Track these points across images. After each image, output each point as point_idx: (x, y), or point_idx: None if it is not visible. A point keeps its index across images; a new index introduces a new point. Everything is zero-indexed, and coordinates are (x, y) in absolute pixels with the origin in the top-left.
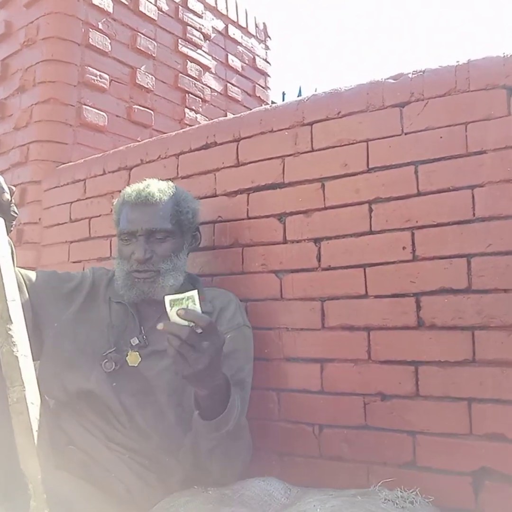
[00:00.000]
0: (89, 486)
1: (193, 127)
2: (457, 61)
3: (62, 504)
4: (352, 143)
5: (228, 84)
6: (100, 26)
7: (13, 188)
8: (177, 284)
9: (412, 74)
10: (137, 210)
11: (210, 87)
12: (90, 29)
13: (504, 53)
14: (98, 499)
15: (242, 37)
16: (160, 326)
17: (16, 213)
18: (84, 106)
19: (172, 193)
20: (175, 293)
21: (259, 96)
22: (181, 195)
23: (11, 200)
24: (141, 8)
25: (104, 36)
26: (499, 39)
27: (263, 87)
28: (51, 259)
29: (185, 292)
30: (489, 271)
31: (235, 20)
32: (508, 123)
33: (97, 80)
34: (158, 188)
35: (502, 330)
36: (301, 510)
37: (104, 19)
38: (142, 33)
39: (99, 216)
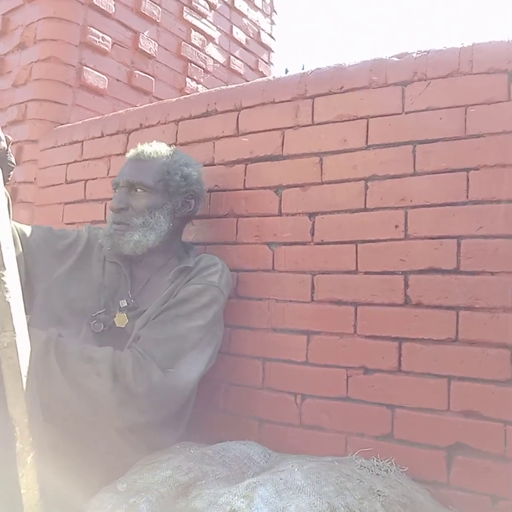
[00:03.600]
0: (71, 442)
1: (194, 94)
2: (462, 44)
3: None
4: (352, 119)
5: (231, 57)
6: None
7: (10, 137)
8: (144, 241)
9: (416, 53)
10: (128, 165)
11: (212, 58)
12: None
13: (509, 38)
14: (80, 453)
15: (248, 9)
16: None
17: (13, 163)
18: (84, 67)
19: (166, 155)
20: (143, 251)
21: (262, 71)
22: (175, 157)
23: (7, 149)
24: None
25: None
26: (505, 25)
27: (266, 62)
28: (44, 220)
29: (183, 257)
30: (478, 254)
31: None
32: (507, 108)
33: (99, 41)
34: (155, 149)
35: (486, 312)
36: (280, 470)
37: None
38: None
39: (95, 178)
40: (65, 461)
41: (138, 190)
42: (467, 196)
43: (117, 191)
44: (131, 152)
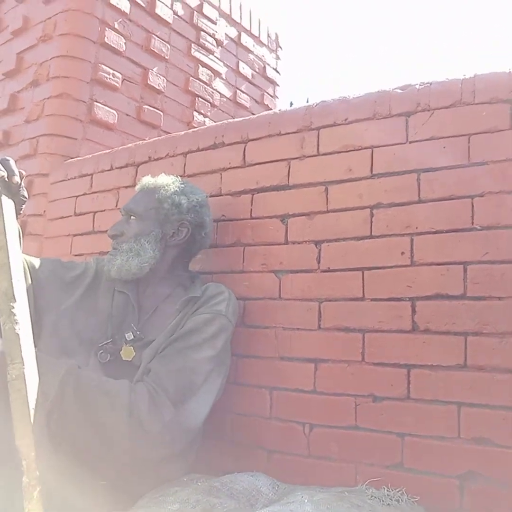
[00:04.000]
0: (79, 470)
1: (202, 127)
2: (464, 75)
3: (52, 488)
4: (357, 149)
5: (238, 91)
6: (116, 26)
7: (23, 172)
8: (126, 266)
9: (419, 85)
10: (134, 194)
11: (219, 93)
12: (106, 28)
13: (509, 69)
14: (88, 483)
15: (253, 45)
16: None
17: (25, 197)
18: (95, 103)
19: (163, 184)
20: (129, 277)
21: (267, 104)
22: (170, 187)
23: (21, 183)
24: (157, 11)
25: (119, 35)
26: (505, 56)
27: (271, 96)
28: (53, 252)
29: (189, 286)
30: (484, 279)
31: (248, 28)
32: (510, 136)
33: (109, 78)
34: (156, 179)
35: (494, 337)
36: (289, 502)
37: (120, 19)
38: (156, 35)
39: (104, 210)
40: (72, 489)
41: (132, 217)
42: (472, 222)
43: None
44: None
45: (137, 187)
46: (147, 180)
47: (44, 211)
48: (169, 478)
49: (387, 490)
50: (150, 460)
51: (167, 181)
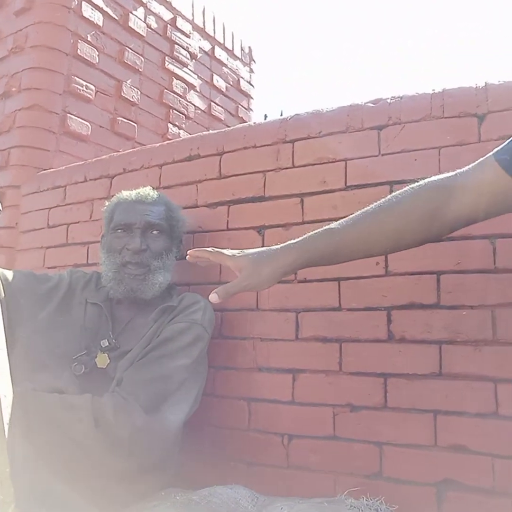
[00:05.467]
0: (54, 487)
1: (177, 139)
2: (433, 89)
3: (37, 498)
4: (331, 162)
5: (212, 103)
6: (89, 38)
7: None
8: (165, 283)
9: (390, 99)
10: (135, 206)
11: (194, 105)
12: (79, 41)
13: (476, 84)
14: (72, 494)
15: (227, 59)
16: None
17: None
18: (68, 115)
19: (165, 200)
20: (157, 291)
21: (242, 117)
22: (173, 204)
23: None
24: (131, 24)
25: (93, 48)
26: (472, 72)
27: (245, 108)
28: (25, 264)
29: (165, 297)
30: (457, 288)
31: (222, 42)
32: (479, 149)
33: (83, 90)
34: (154, 193)
35: (468, 345)
36: None
37: (93, 32)
38: (130, 48)
39: (78, 222)
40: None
41: (154, 232)
42: None
43: (127, 232)
44: (132, 195)
45: (135, 198)
46: (149, 192)
47: (16, 223)
48: (147, 493)
49: (366, 500)
50: (124, 470)
51: (162, 194)
